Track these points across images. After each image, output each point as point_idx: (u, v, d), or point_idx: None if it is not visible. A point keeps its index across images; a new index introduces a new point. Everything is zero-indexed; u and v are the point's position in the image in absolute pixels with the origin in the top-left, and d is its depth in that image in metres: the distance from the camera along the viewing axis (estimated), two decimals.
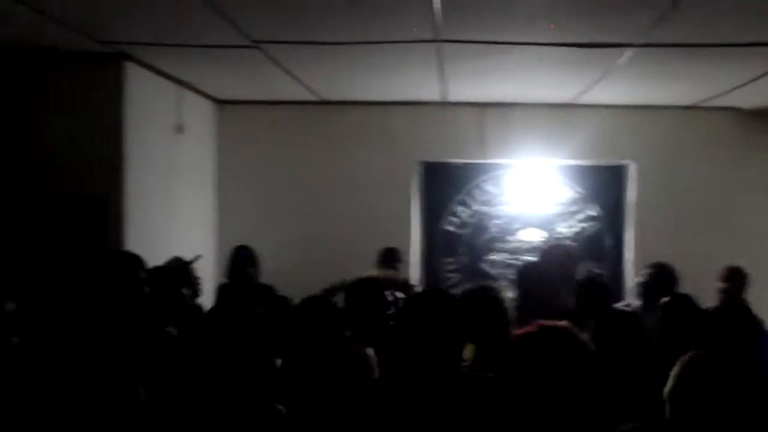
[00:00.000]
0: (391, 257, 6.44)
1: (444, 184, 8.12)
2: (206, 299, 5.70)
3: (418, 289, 6.57)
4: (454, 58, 5.69)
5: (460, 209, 8.11)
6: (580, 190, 8.06)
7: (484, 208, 8.10)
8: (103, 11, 4.71)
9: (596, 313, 4.19)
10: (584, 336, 2.44)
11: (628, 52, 5.34)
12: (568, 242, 7.77)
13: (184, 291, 3.67)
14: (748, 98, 7.15)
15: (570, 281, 5.01)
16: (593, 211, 8.06)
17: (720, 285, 6.00)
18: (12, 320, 3.63)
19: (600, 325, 3.08)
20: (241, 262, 5.29)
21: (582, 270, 6.67)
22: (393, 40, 5.14)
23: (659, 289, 5.04)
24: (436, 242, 8.10)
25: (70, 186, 5.78)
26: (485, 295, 3.36)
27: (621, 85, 6.58)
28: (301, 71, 6.39)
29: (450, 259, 8.11)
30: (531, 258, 7.41)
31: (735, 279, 6.01)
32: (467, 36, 5.05)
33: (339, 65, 6.11)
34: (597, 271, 7.87)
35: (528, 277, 5.10)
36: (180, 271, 4.12)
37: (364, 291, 3.87)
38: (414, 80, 6.71)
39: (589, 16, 4.55)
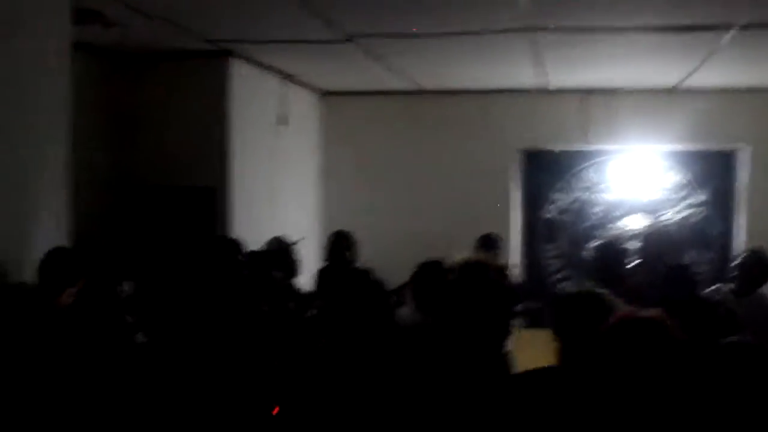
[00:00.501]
0: (488, 243, 6.44)
1: (545, 171, 8.08)
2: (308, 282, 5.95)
3: (516, 275, 6.51)
4: (550, 46, 5.66)
5: (560, 196, 8.05)
6: (687, 175, 7.83)
7: (585, 195, 8.01)
8: (208, 12, 5.00)
9: (679, 301, 4.10)
10: (674, 325, 2.39)
11: (731, 33, 5.18)
12: (672, 229, 7.57)
13: (276, 273, 3.87)
14: None
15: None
16: (701, 197, 7.82)
17: None
18: (128, 301, 3.95)
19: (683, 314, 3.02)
20: (339, 247, 5.46)
21: (685, 257, 6.46)
22: (485, 30, 5.19)
23: (755, 274, 4.83)
24: (537, 229, 8.09)
25: (182, 176, 6.16)
26: (590, 298, 3.31)
27: (727, 67, 6.36)
28: (397, 62, 6.51)
29: (550, 246, 8.08)
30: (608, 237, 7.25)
31: None
32: (561, 23, 5.03)
33: (434, 56, 6.19)
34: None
35: (605, 257, 4.90)
36: (274, 254, 4.31)
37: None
38: (512, 69, 6.70)
39: None
